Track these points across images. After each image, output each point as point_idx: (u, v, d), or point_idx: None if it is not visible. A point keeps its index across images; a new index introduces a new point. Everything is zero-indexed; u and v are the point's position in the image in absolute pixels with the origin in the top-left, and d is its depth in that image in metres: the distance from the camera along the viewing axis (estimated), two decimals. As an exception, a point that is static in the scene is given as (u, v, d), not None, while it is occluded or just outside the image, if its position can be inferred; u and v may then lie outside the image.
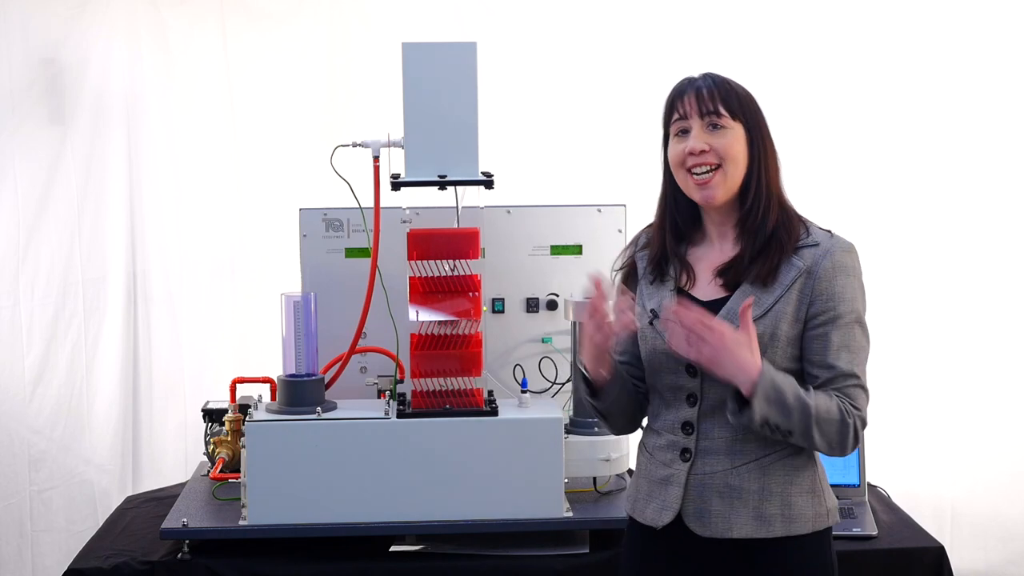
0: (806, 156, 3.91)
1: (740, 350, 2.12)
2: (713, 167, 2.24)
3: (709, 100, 2.25)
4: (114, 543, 2.90)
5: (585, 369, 2.29)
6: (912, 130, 3.93)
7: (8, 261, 3.71)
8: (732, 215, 2.29)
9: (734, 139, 2.24)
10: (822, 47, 3.94)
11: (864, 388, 2.23)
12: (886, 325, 3.91)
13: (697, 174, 2.26)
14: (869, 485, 3.23)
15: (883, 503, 3.22)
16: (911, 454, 3.89)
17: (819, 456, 2.29)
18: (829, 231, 2.28)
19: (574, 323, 3.04)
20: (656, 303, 2.30)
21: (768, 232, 2.25)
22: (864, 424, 2.22)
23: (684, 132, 2.28)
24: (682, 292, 2.30)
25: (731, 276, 2.25)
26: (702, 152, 2.24)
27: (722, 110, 2.24)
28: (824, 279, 2.21)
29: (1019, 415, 3.90)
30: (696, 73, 2.30)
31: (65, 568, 2.79)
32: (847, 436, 2.19)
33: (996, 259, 3.91)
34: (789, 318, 2.21)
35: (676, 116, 2.29)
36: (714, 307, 2.24)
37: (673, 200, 2.36)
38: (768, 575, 2.25)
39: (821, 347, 2.21)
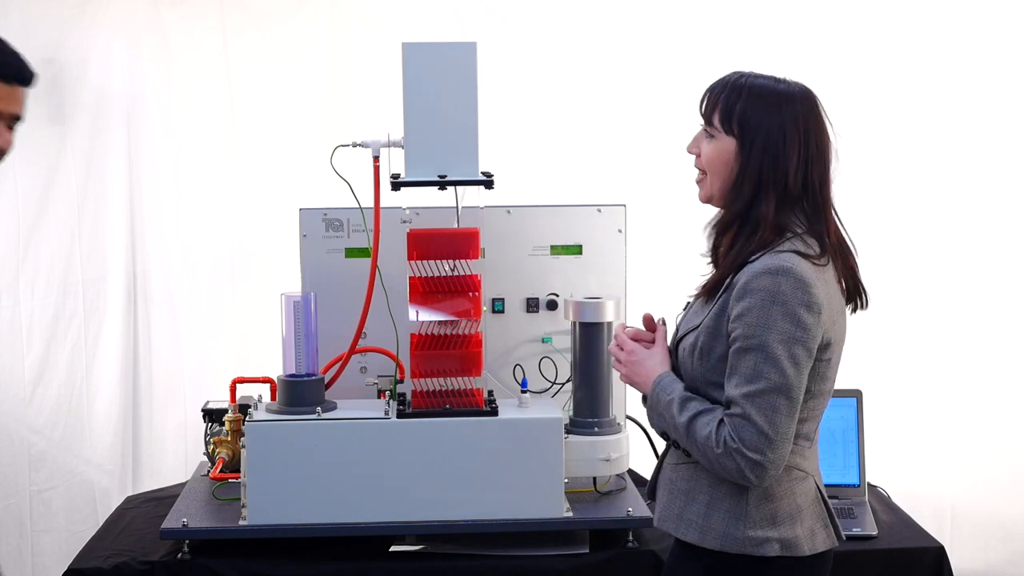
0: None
1: (642, 365, 2.31)
2: (702, 171, 2.29)
3: (706, 106, 2.26)
4: (114, 543, 2.90)
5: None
6: (913, 130, 3.93)
7: (8, 261, 3.71)
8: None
9: (718, 151, 2.23)
10: (823, 48, 3.94)
11: (750, 421, 2.11)
12: (886, 326, 3.93)
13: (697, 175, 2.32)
14: (869, 485, 3.23)
15: (883, 503, 3.22)
16: (911, 454, 3.89)
17: (766, 489, 2.21)
18: (779, 250, 2.18)
19: (574, 323, 3.04)
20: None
21: (730, 247, 2.24)
22: (750, 462, 2.11)
23: None
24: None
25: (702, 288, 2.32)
26: (696, 156, 2.30)
27: (714, 120, 2.23)
28: (735, 298, 2.16)
29: (1019, 415, 3.90)
30: (731, 69, 2.30)
31: (65, 568, 2.79)
32: (724, 464, 2.14)
33: (996, 260, 3.91)
34: (709, 332, 2.22)
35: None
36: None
37: None
38: None
39: (725, 368, 2.19)
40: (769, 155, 2.20)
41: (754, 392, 2.11)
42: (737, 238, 2.23)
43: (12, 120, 2.32)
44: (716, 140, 2.23)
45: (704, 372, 2.23)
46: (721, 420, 2.15)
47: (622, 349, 2.37)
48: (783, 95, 2.24)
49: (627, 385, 2.43)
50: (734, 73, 2.27)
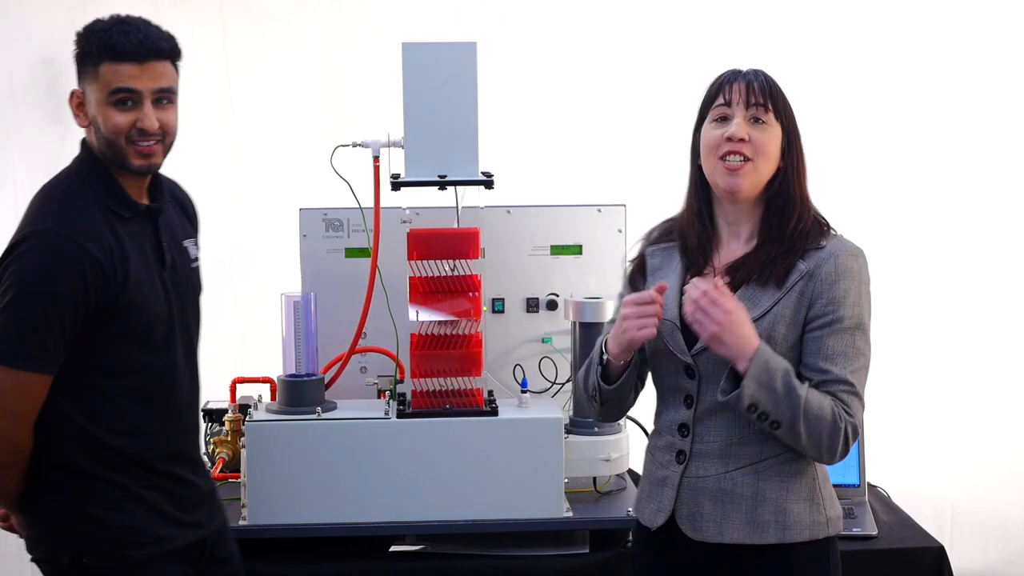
0: (808, 156, 3.92)
1: (743, 327, 2.12)
2: (745, 158, 2.23)
3: (760, 92, 2.25)
4: (114, 543, 2.90)
5: (608, 353, 2.28)
6: (914, 131, 3.93)
7: (8, 261, 3.70)
8: (749, 216, 2.28)
9: (772, 136, 2.24)
10: (823, 48, 3.94)
11: (859, 396, 2.19)
12: (887, 326, 3.91)
13: (729, 161, 2.23)
14: (869, 485, 3.23)
15: (883, 503, 3.22)
16: (911, 454, 3.89)
17: (820, 464, 2.28)
18: (839, 234, 2.28)
19: (574, 323, 3.04)
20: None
21: (789, 236, 2.24)
22: (855, 433, 2.18)
23: (724, 119, 2.26)
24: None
25: (740, 275, 2.24)
26: (741, 140, 2.22)
27: (769, 105, 2.24)
28: (826, 282, 2.19)
29: (1019, 415, 3.90)
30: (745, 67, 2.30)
31: (65, 568, 2.79)
32: (837, 439, 2.16)
33: (996, 260, 3.91)
34: (787, 320, 2.20)
35: (720, 101, 2.27)
36: None
37: (695, 188, 2.35)
38: None
39: (816, 350, 2.19)
40: (799, 139, 2.29)
41: (858, 368, 2.19)
42: (794, 224, 2.24)
43: (158, 95, 2.26)
44: (768, 126, 2.24)
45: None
46: (831, 394, 2.17)
47: (716, 304, 2.12)
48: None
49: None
50: (751, 68, 2.30)
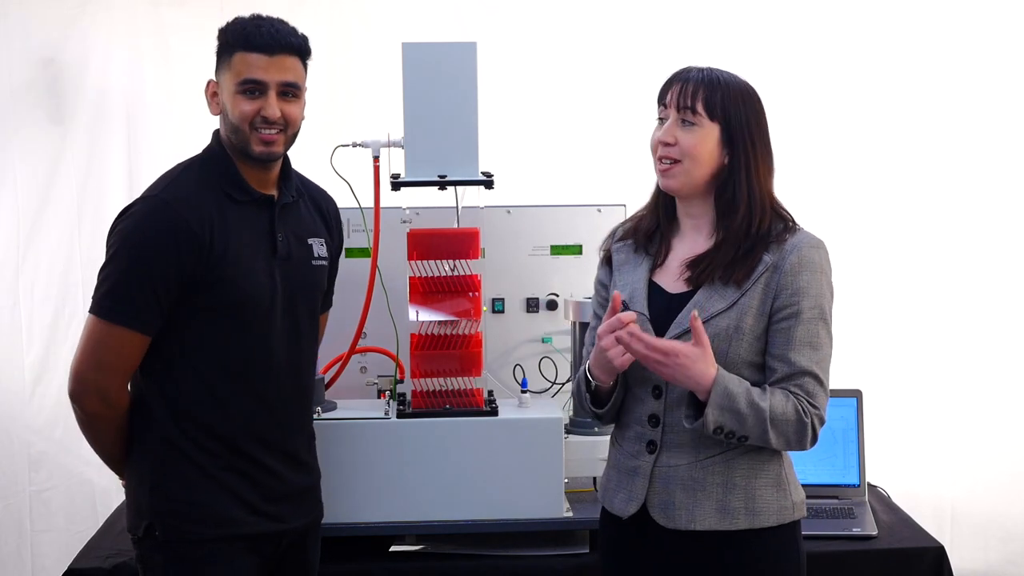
0: (808, 156, 3.92)
1: (695, 365, 2.17)
2: (673, 160, 2.27)
3: (690, 96, 2.27)
4: (114, 543, 2.90)
5: (594, 379, 2.31)
6: (913, 129, 3.93)
7: (8, 261, 3.71)
8: (706, 211, 2.32)
9: (702, 138, 2.26)
10: (823, 49, 3.94)
11: (823, 386, 2.24)
12: (886, 326, 3.94)
13: (662, 164, 2.29)
14: (869, 485, 3.23)
15: (883, 503, 3.22)
16: (911, 454, 3.89)
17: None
18: (801, 228, 2.31)
19: (574, 323, 3.04)
20: (627, 293, 2.33)
21: (749, 234, 2.26)
22: (822, 422, 2.24)
23: (662, 120, 2.31)
24: (652, 284, 2.33)
25: (698, 271, 2.28)
26: (667, 145, 2.27)
27: (699, 108, 2.25)
28: (790, 274, 2.23)
29: (1019, 415, 3.90)
30: (702, 64, 2.31)
31: (65, 568, 2.80)
32: (804, 435, 2.23)
33: (995, 260, 3.91)
34: (754, 312, 2.24)
35: (661, 104, 2.32)
36: (681, 300, 2.28)
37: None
38: (734, 568, 2.27)
39: (783, 342, 2.23)
40: (758, 137, 2.29)
41: (820, 359, 2.24)
42: (752, 222, 2.26)
43: (283, 88, 2.37)
44: (697, 128, 2.26)
45: (744, 353, 2.24)
46: (789, 391, 2.21)
47: (663, 352, 2.17)
48: (747, 87, 2.33)
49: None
50: (702, 68, 2.32)
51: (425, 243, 2.85)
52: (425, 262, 2.85)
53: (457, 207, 2.94)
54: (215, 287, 2.32)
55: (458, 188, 2.90)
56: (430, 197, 2.93)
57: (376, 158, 2.89)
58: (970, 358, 3.91)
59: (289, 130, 2.41)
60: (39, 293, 3.76)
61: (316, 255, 2.50)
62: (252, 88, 2.34)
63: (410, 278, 2.85)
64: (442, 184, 2.86)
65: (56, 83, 3.77)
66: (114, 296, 2.29)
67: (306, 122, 3.97)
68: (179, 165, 2.44)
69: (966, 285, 3.92)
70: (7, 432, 3.67)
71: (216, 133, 2.46)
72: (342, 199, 2.93)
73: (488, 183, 2.87)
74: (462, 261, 2.86)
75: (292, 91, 2.39)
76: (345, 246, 3.11)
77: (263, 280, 2.37)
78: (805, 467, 3.15)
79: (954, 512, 3.92)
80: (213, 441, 2.36)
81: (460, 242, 2.86)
